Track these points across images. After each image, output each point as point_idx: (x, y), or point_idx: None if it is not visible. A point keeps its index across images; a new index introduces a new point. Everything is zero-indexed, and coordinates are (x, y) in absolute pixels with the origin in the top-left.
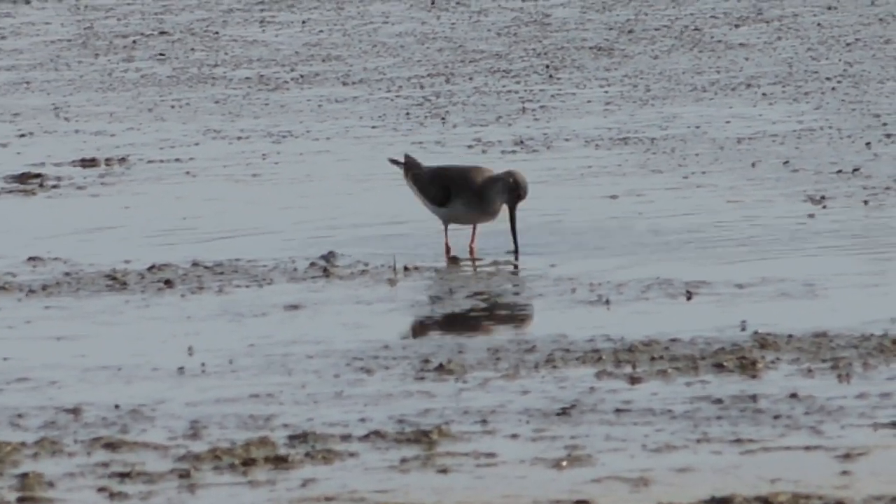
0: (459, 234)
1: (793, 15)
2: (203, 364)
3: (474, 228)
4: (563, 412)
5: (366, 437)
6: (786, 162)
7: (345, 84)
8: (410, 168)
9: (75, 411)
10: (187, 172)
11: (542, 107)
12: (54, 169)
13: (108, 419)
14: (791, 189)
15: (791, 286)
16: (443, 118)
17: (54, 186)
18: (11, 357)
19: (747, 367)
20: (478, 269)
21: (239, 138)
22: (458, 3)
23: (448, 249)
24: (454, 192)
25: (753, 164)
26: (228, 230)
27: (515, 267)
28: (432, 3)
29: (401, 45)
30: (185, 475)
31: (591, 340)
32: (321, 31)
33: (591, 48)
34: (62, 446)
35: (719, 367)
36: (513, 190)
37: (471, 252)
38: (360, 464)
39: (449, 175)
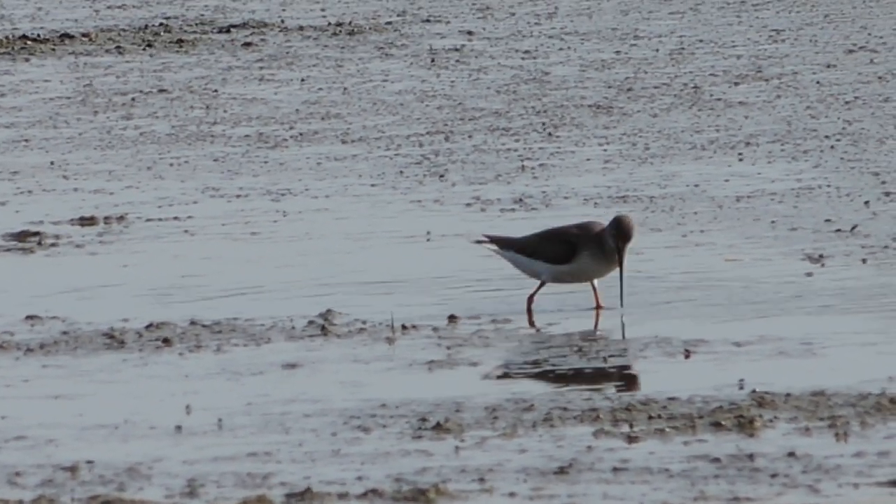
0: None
1: (792, 73)
2: (219, 419)
3: (594, 286)
4: (561, 471)
5: (363, 496)
6: (772, 222)
7: (344, 142)
8: (506, 244)
9: (73, 469)
10: (186, 231)
11: (541, 165)
12: (53, 227)
13: (105, 477)
14: (789, 248)
15: (789, 345)
16: (441, 176)
17: (53, 245)
18: (9, 416)
19: (745, 425)
20: (481, 328)
21: (238, 196)
22: (457, 61)
23: (530, 310)
24: (580, 246)
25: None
26: (227, 288)
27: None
28: (432, 60)
29: (400, 103)
30: None
31: (588, 399)
32: (320, 89)
33: (590, 106)
34: None
35: (717, 425)
36: (617, 231)
37: (598, 307)
38: None
39: (567, 231)
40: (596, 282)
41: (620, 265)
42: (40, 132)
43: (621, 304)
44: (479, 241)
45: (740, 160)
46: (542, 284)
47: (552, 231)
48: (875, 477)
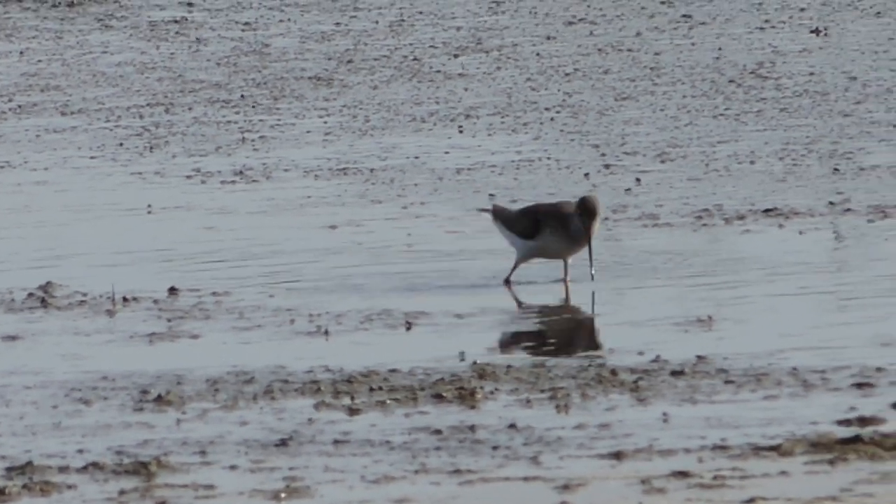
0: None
1: (512, 45)
2: None
3: (566, 263)
4: (282, 443)
5: (84, 469)
6: (488, 194)
7: (63, 114)
8: (497, 214)
9: None
10: None
11: (261, 137)
12: None
13: None
14: None
15: (510, 316)
16: (151, 148)
17: None
18: None
19: (466, 397)
20: (201, 301)
21: None
22: (177, 32)
23: (509, 284)
24: (543, 223)
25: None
26: None
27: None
28: (151, 31)
29: (120, 75)
30: None
31: (310, 371)
32: (40, 61)
33: (310, 78)
34: None
35: (438, 397)
36: (583, 209)
37: (567, 287)
38: (78, 496)
39: (536, 209)
40: (570, 260)
41: (589, 242)
42: None
43: (592, 278)
44: (481, 210)
45: (460, 132)
46: (516, 264)
47: (528, 207)
48: (596, 449)
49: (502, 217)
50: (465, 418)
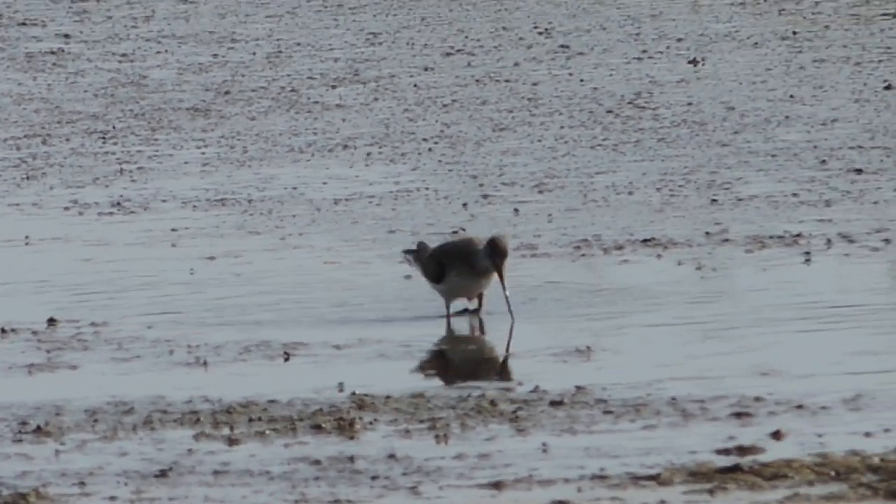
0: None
1: (390, 76)
2: None
3: (480, 298)
4: (162, 474)
5: None
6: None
7: None
8: (419, 256)
9: None
10: None
11: (139, 168)
12: None
13: None
14: (388, 250)
15: (388, 347)
16: (28, 178)
17: None
18: None
19: (345, 427)
20: (80, 332)
21: None
22: (54, 63)
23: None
24: (448, 266)
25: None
26: None
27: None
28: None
29: None
30: None
31: (189, 402)
32: None
33: (188, 109)
34: None
35: (317, 428)
36: (492, 251)
37: (480, 319)
38: None
39: (444, 251)
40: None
41: (502, 283)
42: None
43: (512, 319)
44: (405, 252)
45: (338, 163)
46: (446, 304)
47: (433, 249)
48: (476, 479)
49: (420, 261)
50: (344, 448)
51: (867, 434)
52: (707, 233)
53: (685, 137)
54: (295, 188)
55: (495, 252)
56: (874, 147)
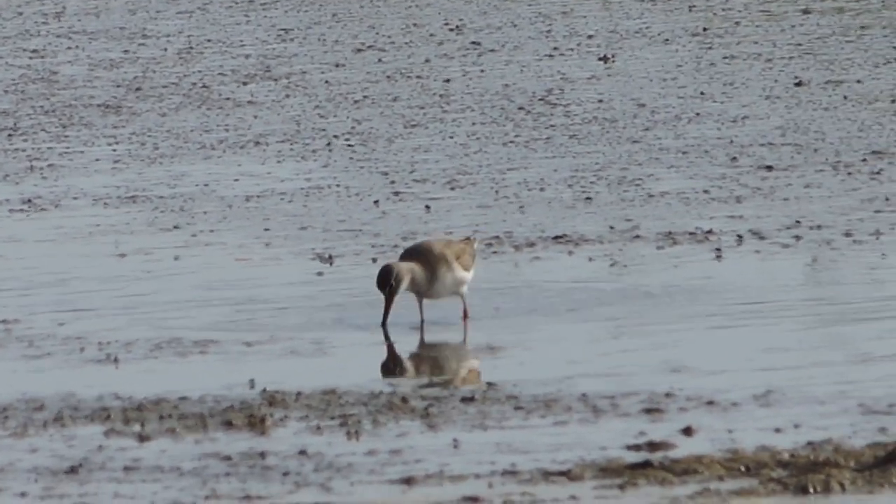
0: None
1: (301, 72)
2: None
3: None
4: (72, 470)
5: None
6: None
7: None
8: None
9: None
10: None
11: (50, 165)
12: None
13: None
14: (300, 247)
15: (300, 344)
16: None
17: None
18: None
19: (256, 424)
20: None
21: None
22: None
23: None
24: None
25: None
26: None
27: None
28: None
29: None
30: None
31: (99, 399)
32: None
33: (98, 106)
34: None
35: (228, 424)
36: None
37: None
38: None
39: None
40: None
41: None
42: None
43: (385, 332)
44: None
45: (250, 160)
46: (419, 310)
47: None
48: (387, 475)
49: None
50: (254, 445)
51: (777, 430)
52: (611, 227)
53: (596, 134)
54: (206, 185)
55: (380, 284)
56: (785, 144)
